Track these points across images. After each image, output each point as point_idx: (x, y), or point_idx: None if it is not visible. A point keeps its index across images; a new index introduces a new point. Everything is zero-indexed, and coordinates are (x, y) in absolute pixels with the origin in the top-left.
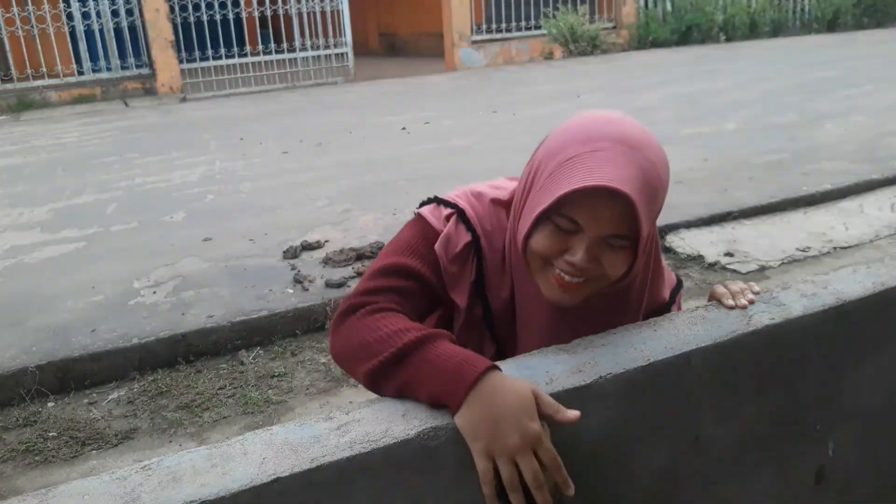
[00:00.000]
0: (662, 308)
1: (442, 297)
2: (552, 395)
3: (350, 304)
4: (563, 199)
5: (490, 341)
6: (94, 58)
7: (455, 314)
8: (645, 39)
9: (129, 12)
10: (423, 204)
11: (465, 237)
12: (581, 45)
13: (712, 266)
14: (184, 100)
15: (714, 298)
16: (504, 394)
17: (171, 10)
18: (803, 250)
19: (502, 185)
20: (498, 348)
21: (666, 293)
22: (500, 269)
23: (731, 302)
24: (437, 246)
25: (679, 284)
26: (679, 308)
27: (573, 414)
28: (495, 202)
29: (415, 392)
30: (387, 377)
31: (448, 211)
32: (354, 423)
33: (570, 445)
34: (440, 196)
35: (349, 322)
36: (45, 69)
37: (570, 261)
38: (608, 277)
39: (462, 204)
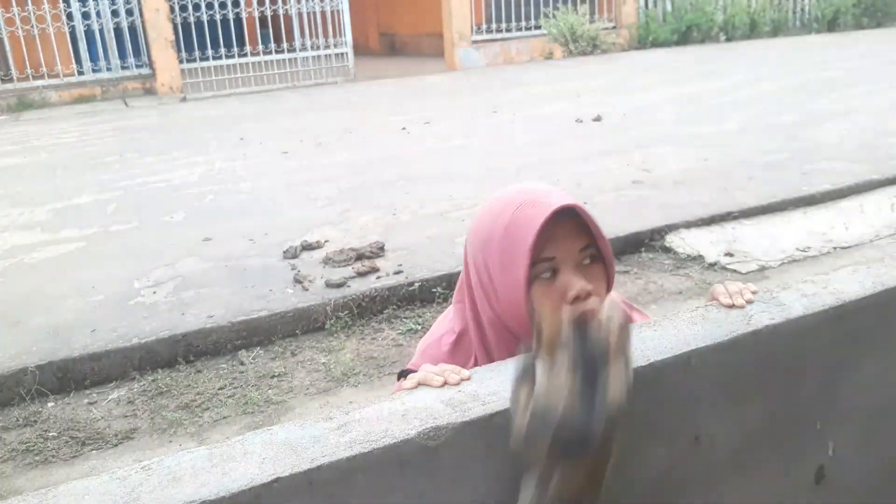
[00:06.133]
0: None
1: None
2: None
3: None
4: (534, 249)
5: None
6: (94, 58)
7: None
8: (645, 39)
9: (129, 12)
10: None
11: None
12: (581, 45)
13: (712, 266)
14: (184, 100)
15: (713, 298)
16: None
17: (171, 10)
18: (803, 250)
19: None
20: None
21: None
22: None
23: (728, 301)
24: None
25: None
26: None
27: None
28: (443, 340)
29: None
30: None
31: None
32: (354, 423)
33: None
34: (404, 370)
35: None
36: (45, 69)
37: (574, 293)
38: (601, 297)
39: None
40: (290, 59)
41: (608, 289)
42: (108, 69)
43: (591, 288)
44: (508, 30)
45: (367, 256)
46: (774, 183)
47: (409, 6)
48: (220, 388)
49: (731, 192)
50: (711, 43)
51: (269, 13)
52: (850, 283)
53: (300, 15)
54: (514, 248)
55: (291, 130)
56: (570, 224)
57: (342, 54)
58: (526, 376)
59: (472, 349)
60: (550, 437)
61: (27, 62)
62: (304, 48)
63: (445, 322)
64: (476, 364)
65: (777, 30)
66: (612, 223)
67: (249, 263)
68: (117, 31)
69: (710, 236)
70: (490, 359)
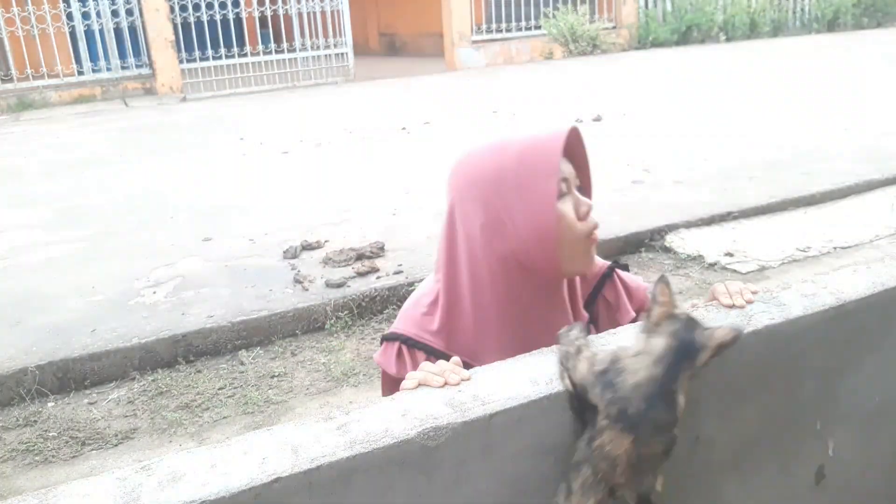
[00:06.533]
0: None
1: None
2: (551, 395)
3: None
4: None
5: None
6: (94, 58)
7: None
8: (645, 39)
9: (129, 12)
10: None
11: (422, 357)
12: (581, 45)
13: (712, 266)
14: (184, 100)
15: (713, 298)
16: None
17: (171, 10)
18: (803, 250)
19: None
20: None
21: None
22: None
23: (728, 301)
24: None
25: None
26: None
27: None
28: (421, 303)
29: None
30: None
31: (395, 349)
32: (354, 423)
33: (571, 445)
34: (385, 333)
35: None
36: (45, 69)
37: (586, 209)
38: None
39: (401, 331)
40: (290, 59)
41: None
42: (108, 69)
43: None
44: (508, 30)
45: (367, 256)
46: (774, 183)
47: (409, 6)
48: (220, 388)
49: (731, 192)
50: (711, 43)
51: (269, 13)
52: (850, 283)
53: (300, 15)
54: (537, 167)
55: (291, 130)
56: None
57: (342, 54)
58: (582, 336)
59: (446, 307)
60: (613, 398)
61: (27, 62)
62: (304, 48)
63: (426, 287)
64: (446, 324)
65: (777, 30)
66: (613, 223)
67: (249, 263)
68: (117, 31)
69: (710, 236)
70: (479, 304)
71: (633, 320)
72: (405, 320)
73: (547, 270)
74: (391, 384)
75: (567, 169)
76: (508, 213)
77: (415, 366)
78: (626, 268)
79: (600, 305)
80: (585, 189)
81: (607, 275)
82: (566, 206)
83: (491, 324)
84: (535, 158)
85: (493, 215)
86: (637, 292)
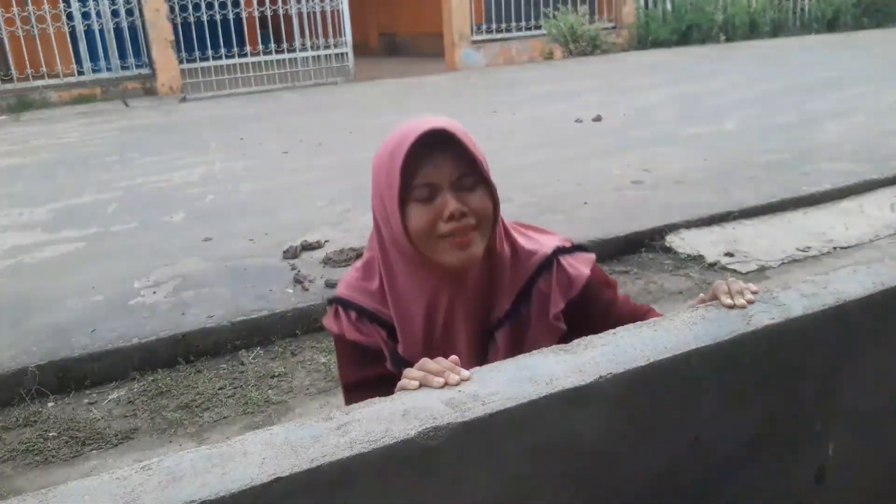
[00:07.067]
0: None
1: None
2: (551, 395)
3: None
4: (409, 173)
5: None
6: (94, 58)
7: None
8: (645, 39)
9: (129, 12)
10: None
11: (353, 315)
12: (581, 45)
13: (712, 266)
14: (184, 100)
15: (714, 296)
16: None
17: (171, 10)
18: (803, 250)
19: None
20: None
21: (551, 244)
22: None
23: (729, 301)
24: (349, 339)
25: (578, 247)
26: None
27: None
28: (357, 268)
29: None
30: None
31: (333, 310)
32: (354, 423)
33: (571, 445)
34: (329, 298)
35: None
36: (45, 69)
37: (448, 213)
38: (486, 217)
39: (338, 293)
40: (289, 60)
41: (495, 210)
42: (108, 69)
43: (466, 210)
44: (508, 30)
45: None
46: (774, 183)
47: (409, 6)
48: (220, 388)
49: (731, 192)
50: (711, 43)
51: (269, 13)
52: (850, 283)
53: (300, 15)
54: (393, 169)
55: (291, 130)
56: (449, 152)
57: (342, 54)
58: None
59: (378, 271)
60: None
61: (27, 62)
62: (303, 48)
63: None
64: (382, 287)
65: (777, 30)
66: (613, 223)
67: (249, 263)
68: (117, 31)
69: (710, 236)
70: (393, 280)
71: (564, 312)
72: (342, 283)
73: (423, 264)
74: (342, 350)
75: (437, 172)
76: (384, 207)
77: (351, 325)
78: (584, 248)
79: (534, 297)
80: (488, 182)
81: (545, 265)
82: (417, 215)
83: (411, 295)
84: (395, 159)
85: (377, 203)
86: (576, 282)
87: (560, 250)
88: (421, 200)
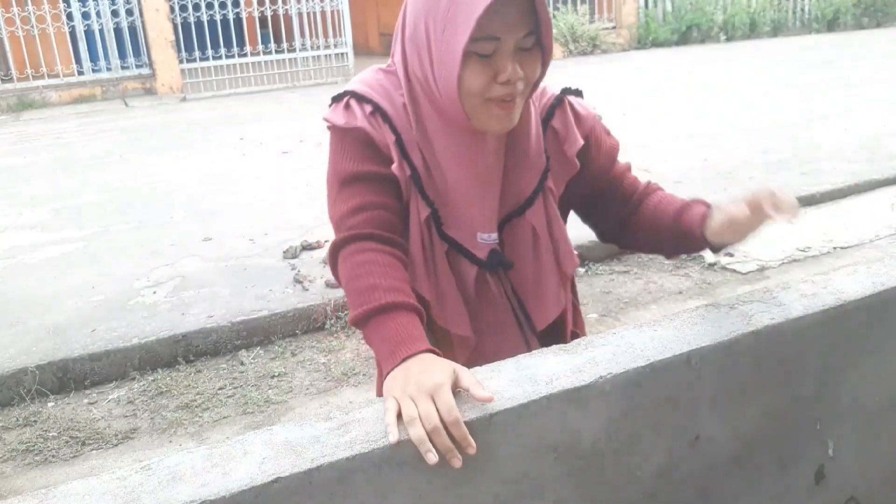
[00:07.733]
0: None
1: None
2: (551, 395)
3: (336, 242)
4: (479, 20)
5: (424, 205)
6: (94, 58)
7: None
8: (645, 39)
9: (129, 12)
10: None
11: (368, 109)
12: (581, 45)
13: (712, 266)
14: (184, 100)
15: (756, 203)
16: (426, 364)
17: (171, 10)
18: (803, 250)
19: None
20: (432, 210)
21: (554, 85)
22: (409, 127)
23: (773, 213)
24: (359, 128)
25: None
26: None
27: (486, 395)
28: (379, 71)
29: (371, 347)
30: (359, 326)
31: (343, 102)
32: (354, 423)
33: (571, 445)
34: (333, 95)
35: (340, 263)
36: (45, 69)
37: (504, 79)
38: (529, 83)
39: (351, 88)
40: (289, 59)
41: (542, 76)
42: (108, 69)
43: (521, 76)
44: None
45: None
46: (774, 183)
47: None
48: (220, 388)
49: (731, 192)
50: (711, 43)
51: (269, 13)
52: (850, 283)
53: (300, 15)
54: (460, 13)
55: (291, 130)
56: (518, 7)
57: (342, 54)
58: None
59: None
60: None
61: (27, 62)
62: (304, 48)
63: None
64: (406, 112)
65: (777, 30)
66: None
67: (249, 263)
68: (117, 31)
69: None
70: (416, 107)
71: (581, 149)
72: (356, 80)
73: (456, 117)
74: (342, 143)
75: (505, 26)
76: (428, 45)
77: (365, 118)
78: (579, 93)
79: (549, 137)
80: (546, 47)
81: (556, 104)
82: (477, 69)
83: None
84: (463, 2)
85: (420, 37)
86: (586, 120)
87: (566, 90)
88: (481, 56)
